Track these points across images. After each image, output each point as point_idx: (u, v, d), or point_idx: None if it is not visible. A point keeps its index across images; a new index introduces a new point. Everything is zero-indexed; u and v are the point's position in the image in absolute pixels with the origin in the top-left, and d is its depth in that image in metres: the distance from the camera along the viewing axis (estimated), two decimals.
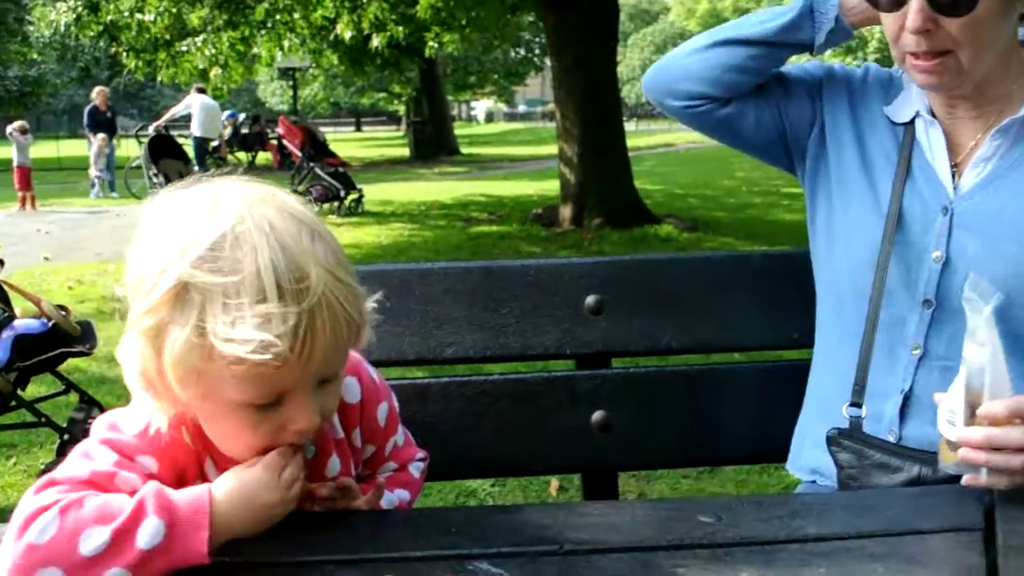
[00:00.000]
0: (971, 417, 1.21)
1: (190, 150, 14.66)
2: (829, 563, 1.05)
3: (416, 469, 1.45)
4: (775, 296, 1.79)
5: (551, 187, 12.81)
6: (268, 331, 0.97)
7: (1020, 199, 1.43)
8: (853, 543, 1.10)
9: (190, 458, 1.14)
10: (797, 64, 1.70)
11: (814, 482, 1.63)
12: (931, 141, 1.53)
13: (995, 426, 1.19)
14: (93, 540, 0.97)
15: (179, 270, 0.99)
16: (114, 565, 0.97)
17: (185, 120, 15.85)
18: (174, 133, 14.07)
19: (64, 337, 3.70)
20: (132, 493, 1.05)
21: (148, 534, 0.99)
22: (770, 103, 1.65)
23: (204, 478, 1.15)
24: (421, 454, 1.48)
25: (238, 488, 1.06)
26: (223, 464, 1.15)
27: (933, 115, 1.53)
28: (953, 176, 1.50)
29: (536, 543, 1.10)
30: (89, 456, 1.08)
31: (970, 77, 1.42)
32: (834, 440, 1.47)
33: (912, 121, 1.56)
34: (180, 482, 1.12)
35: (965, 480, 1.22)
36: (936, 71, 1.40)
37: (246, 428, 1.08)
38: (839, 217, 1.60)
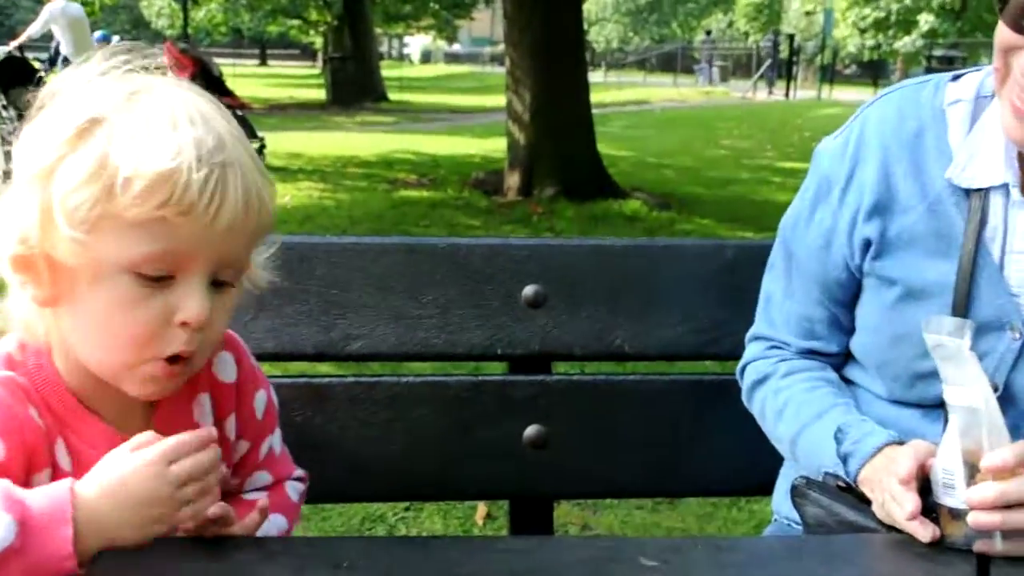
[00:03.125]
0: (971, 477, 1.23)
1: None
2: None
3: (295, 491, 1.47)
4: (754, 295, 1.79)
5: (497, 147, 12.79)
6: (178, 158, 1.08)
7: None
8: None
9: (39, 439, 1.17)
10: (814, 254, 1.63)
11: (790, 524, 1.66)
12: (1014, 226, 1.45)
13: (1003, 479, 1.20)
14: None
15: (89, 113, 1.11)
16: None
17: (45, 39, 15.51)
18: (30, 56, 13.73)
19: None
20: None
21: None
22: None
23: (55, 465, 1.18)
24: (300, 473, 1.50)
25: (112, 479, 1.05)
26: (76, 448, 1.19)
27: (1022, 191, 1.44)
28: None
29: None
30: None
31: None
32: (799, 491, 1.46)
33: (986, 189, 1.46)
34: (28, 470, 1.15)
35: (977, 548, 1.23)
36: None
37: (128, 306, 1.13)
38: (878, 304, 1.57)
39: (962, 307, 1.45)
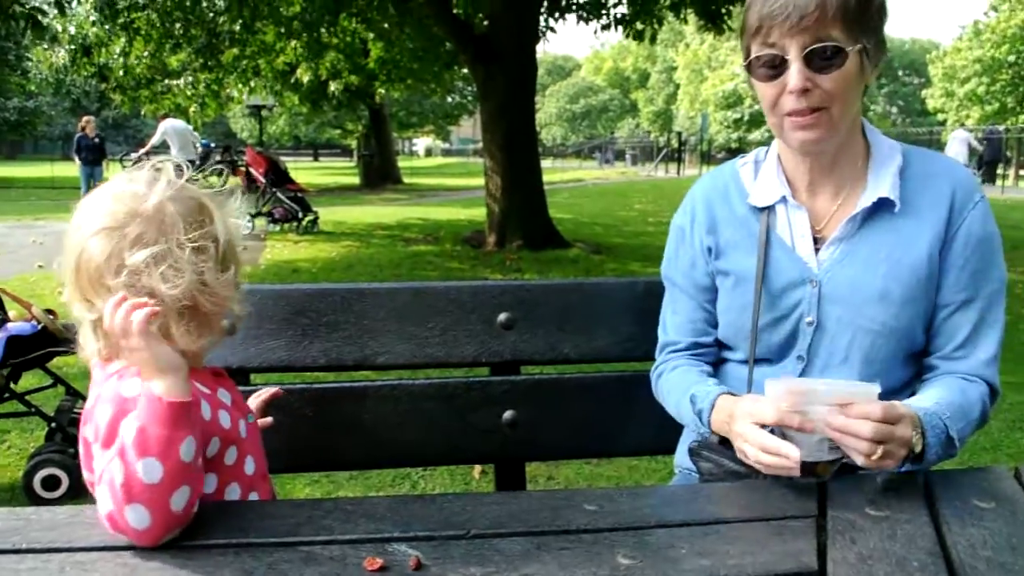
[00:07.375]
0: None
1: None
2: (690, 545, 1.07)
3: None
4: (658, 315, 1.78)
5: (479, 214, 12.77)
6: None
7: (870, 268, 1.46)
8: (711, 528, 1.12)
9: None
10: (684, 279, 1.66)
11: (690, 473, 1.65)
12: (795, 221, 1.53)
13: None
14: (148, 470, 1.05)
15: (221, 233, 1.27)
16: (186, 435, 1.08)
17: (166, 147, 15.45)
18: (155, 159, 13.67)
19: (52, 337, 3.59)
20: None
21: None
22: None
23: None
24: None
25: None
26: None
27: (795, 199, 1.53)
28: (816, 248, 1.51)
29: (448, 528, 1.10)
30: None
31: (838, 131, 1.42)
32: (695, 451, 1.48)
33: (772, 205, 1.54)
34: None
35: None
36: (813, 125, 1.40)
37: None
38: (725, 292, 1.61)
39: (759, 279, 1.51)
